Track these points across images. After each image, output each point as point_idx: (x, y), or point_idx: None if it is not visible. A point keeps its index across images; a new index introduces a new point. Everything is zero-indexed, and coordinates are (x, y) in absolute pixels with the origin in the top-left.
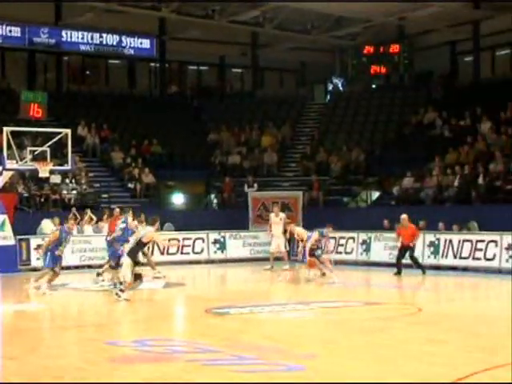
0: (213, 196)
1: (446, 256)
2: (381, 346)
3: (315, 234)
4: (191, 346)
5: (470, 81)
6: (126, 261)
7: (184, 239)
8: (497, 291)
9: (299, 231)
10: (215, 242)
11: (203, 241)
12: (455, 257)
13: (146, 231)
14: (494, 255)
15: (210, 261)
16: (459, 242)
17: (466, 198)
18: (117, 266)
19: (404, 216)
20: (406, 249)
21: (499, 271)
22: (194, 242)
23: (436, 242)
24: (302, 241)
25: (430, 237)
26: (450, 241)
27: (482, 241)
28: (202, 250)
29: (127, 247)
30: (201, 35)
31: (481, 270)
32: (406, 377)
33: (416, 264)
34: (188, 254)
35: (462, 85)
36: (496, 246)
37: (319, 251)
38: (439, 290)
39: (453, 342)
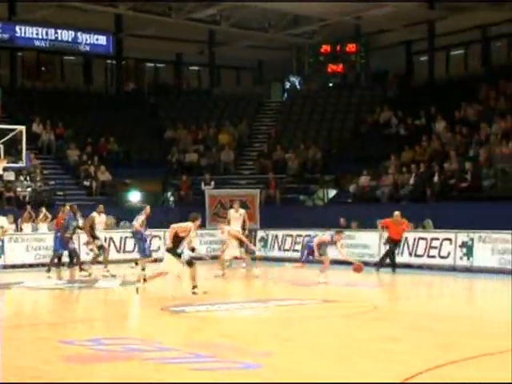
0: (170, 194)
1: (402, 254)
2: (338, 344)
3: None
4: (147, 344)
5: (425, 80)
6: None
7: None
8: (451, 289)
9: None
10: None
11: (160, 238)
12: (410, 255)
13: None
14: (449, 253)
15: None
16: (414, 239)
17: (421, 196)
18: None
19: (397, 212)
20: (395, 244)
21: (453, 269)
22: (150, 240)
23: None
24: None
25: (385, 235)
26: (406, 239)
27: (437, 239)
28: (159, 248)
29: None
30: (158, 33)
31: (435, 267)
32: (362, 375)
33: (392, 261)
34: None
35: (417, 84)
36: (450, 243)
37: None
38: (395, 287)
39: (408, 339)
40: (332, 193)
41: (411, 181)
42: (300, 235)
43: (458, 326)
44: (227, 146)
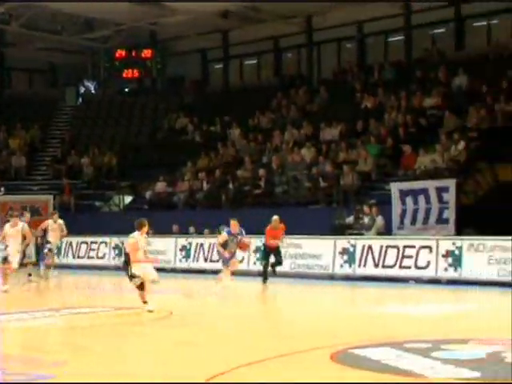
0: None
1: (197, 260)
2: (132, 350)
3: (223, 235)
4: None
5: (221, 88)
6: None
7: None
8: (246, 292)
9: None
10: None
11: None
12: (206, 260)
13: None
14: (243, 257)
15: None
16: (210, 245)
17: (216, 202)
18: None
19: (275, 217)
20: (272, 251)
21: (248, 274)
22: None
23: (188, 246)
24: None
25: (181, 241)
26: (202, 245)
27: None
28: None
29: None
30: None
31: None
32: (155, 378)
33: (273, 268)
34: None
35: (212, 91)
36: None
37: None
38: (191, 293)
39: (202, 343)
40: (128, 199)
41: (206, 187)
42: (95, 242)
43: (255, 328)
44: (18, 151)
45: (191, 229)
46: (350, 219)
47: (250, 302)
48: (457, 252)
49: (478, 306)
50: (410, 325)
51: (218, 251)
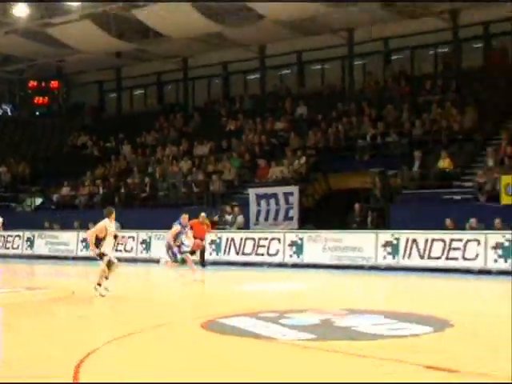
0: None
1: None
2: (35, 323)
3: (176, 227)
4: None
5: (115, 112)
6: None
7: None
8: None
9: None
10: None
11: None
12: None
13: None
14: (132, 248)
15: None
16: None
17: (110, 203)
18: None
19: (203, 214)
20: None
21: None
22: None
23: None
24: None
25: (82, 234)
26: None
27: (130, 237)
28: None
29: None
30: None
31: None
32: (62, 347)
33: (202, 258)
34: None
35: (108, 115)
36: (134, 240)
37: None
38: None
39: (92, 317)
40: (39, 201)
41: (101, 191)
42: (11, 235)
43: (139, 305)
44: None
45: (90, 225)
46: (217, 217)
47: (145, 285)
48: (299, 242)
49: (314, 284)
50: (263, 299)
51: (167, 243)
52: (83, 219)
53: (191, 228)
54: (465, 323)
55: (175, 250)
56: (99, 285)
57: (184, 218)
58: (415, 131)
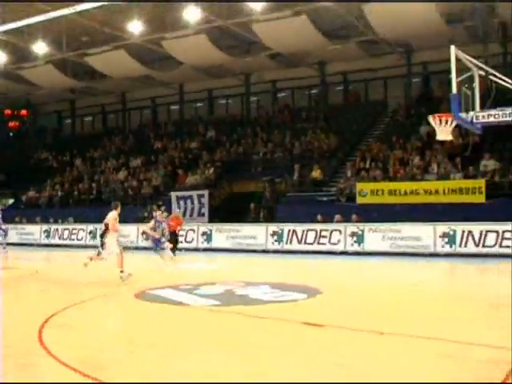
0: None
1: (55, 238)
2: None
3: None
4: None
5: (70, 134)
6: None
7: None
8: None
9: None
10: None
11: None
12: (59, 238)
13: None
14: (82, 237)
15: None
16: (61, 229)
17: (66, 203)
18: None
19: (177, 210)
20: (174, 234)
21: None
22: None
23: (48, 230)
24: None
25: (45, 227)
26: (57, 229)
27: (80, 229)
28: None
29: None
30: None
31: (80, 246)
32: (26, 312)
33: (175, 244)
34: None
35: (65, 136)
36: (84, 231)
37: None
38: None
39: (55, 292)
40: (11, 201)
41: (59, 194)
42: None
43: (86, 283)
44: None
45: (51, 220)
46: (146, 213)
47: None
48: (209, 232)
49: (220, 264)
50: (181, 275)
51: (147, 234)
52: (44, 215)
53: (171, 220)
54: (331, 291)
55: (157, 237)
56: (122, 271)
57: (158, 213)
58: (295, 150)
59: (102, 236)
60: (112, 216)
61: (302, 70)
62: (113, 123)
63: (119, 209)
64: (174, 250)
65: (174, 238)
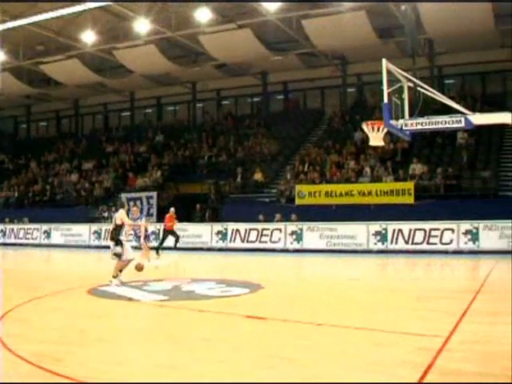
0: None
1: (11, 237)
2: None
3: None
4: None
5: (25, 138)
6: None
7: None
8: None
9: None
10: None
11: None
12: (15, 237)
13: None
14: (36, 236)
15: None
16: (14, 229)
17: (21, 204)
18: None
19: (172, 209)
20: (170, 232)
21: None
22: None
23: (4, 230)
24: None
25: (0, 227)
26: (12, 229)
27: (35, 229)
28: None
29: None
30: None
31: (35, 245)
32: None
33: (177, 242)
34: None
35: (20, 140)
36: (38, 231)
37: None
38: (18, 259)
39: (27, 284)
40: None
41: (16, 195)
42: None
43: (44, 279)
44: None
45: (6, 220)
46: (96, 214)
47: (55, 265)
48: (157, 231)
49: (168, 261)
50: (132, 272)
51: (133, 230)
52: (1, 216)
53: (167, 219)
54: (272, 286)
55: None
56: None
57: (134, 211)
58: (238, 154)
59: (115, 234)
60: (122, 213)
61: (246, 80)
62: (66, 128)
63: (126, 207)
64: (175, 246)
65: (174, 236)
